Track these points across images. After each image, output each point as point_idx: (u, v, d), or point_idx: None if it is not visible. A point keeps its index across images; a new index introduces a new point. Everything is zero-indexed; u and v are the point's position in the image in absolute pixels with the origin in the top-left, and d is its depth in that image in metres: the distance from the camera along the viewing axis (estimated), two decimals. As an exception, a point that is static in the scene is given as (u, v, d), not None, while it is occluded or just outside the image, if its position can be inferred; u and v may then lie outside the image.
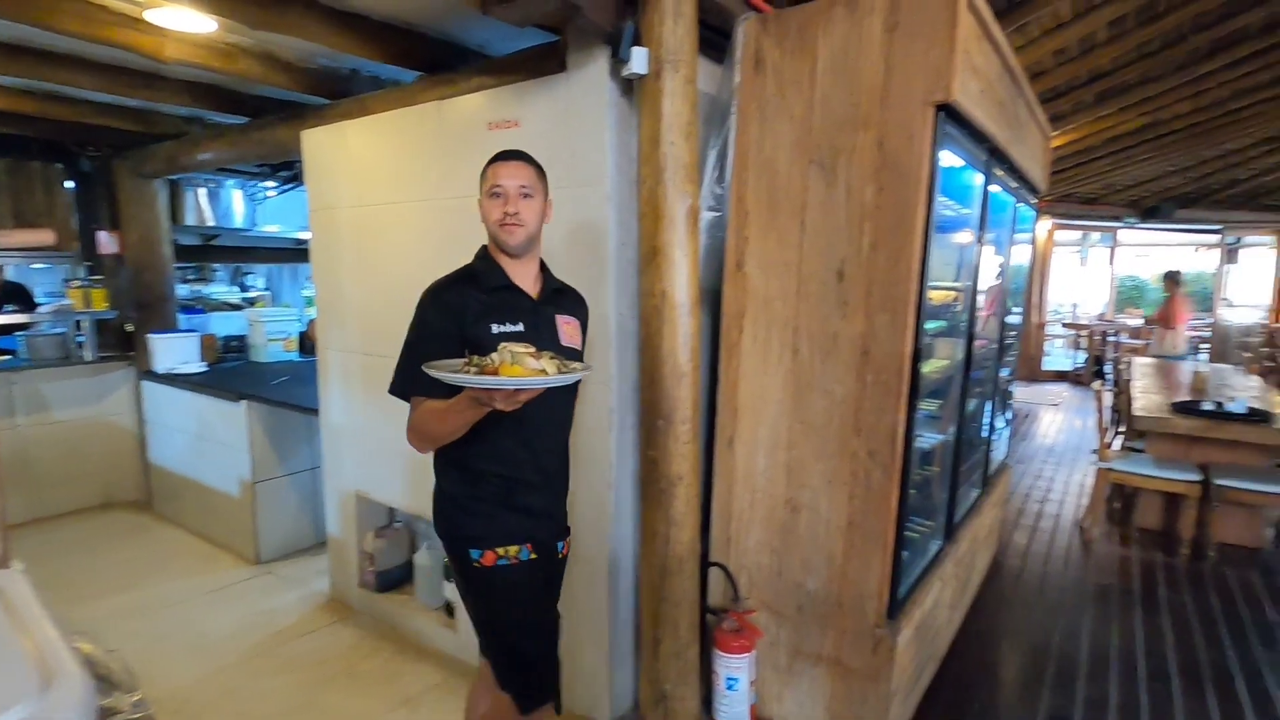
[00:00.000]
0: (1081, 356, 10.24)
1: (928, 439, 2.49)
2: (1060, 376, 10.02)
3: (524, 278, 1.63)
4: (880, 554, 2.02)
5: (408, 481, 2.76)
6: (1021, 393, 8.61)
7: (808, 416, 2.12)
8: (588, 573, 2.23)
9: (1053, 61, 4.93)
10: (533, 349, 1.33)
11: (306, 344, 4.62)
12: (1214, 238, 12.00)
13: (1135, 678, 2.65)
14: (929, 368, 2.48)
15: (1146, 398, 4.32)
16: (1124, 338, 9.97)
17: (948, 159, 2.21)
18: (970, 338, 2.59)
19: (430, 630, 2.78)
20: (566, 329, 1.65)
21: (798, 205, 2.08)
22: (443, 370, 1.31)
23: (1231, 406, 3.84)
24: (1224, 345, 10.36)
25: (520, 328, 1.55)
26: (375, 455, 2.87)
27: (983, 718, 2.41)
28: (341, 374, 2.98)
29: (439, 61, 2.54)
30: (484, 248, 1.65)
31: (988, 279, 3.09)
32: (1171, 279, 7.95)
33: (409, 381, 1.53)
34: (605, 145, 2.03)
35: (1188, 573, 3.58)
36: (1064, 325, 11.69)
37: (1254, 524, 3.91)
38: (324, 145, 2.91)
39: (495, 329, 1.53)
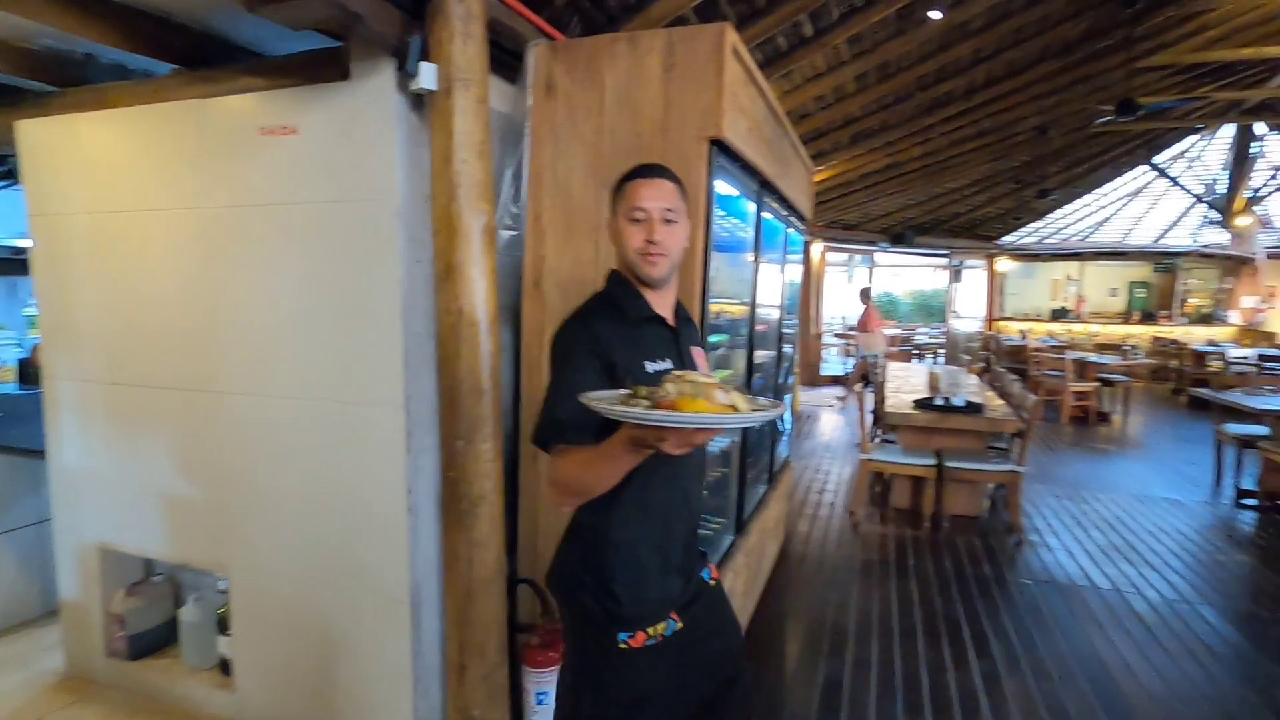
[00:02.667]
0: (852, 362, 11.70)
1: (717, 441, 2.71)
2: (836, 381, 11.37)
3: (664, 307, 1.41)
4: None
5: (170, 525, 2.43)
6: (804, 396, 9.64)
7: (607, 428, 2.21)
8: (385, 605, 2.12)
9: (814, 106, 5.64)
10: (716, 380, 1.05)
11: (30, 373, 3.86)
12: (944, 260, 14.41)
13: (891, 636, 3.09)
14: (717, 377, 2.71)
15: (896, 396, 5.07)
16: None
17: (726, 189, 2.46)
18: (751, 348, 2.88)
19: (202, 694, 2.46)
20: (700, 361, 1.47)
21: (592, 225, 2.18)
22: (606, 405, 1.03)
23: (955, 401, 4.65)
24: (954, 349, 12.43)
25: (669, 364, 1.33)
26: (126, 499, 2.48)
27: (773, 693, 2.67)
28: (78, 407, 2.54)
29: (200, 55, 2.28)
30: (616, 274, 1.42)
31: (765, 296, 3.45)
32: (864, 294, 9.71)
33: (552, 426, 1.26)
34: (395, 160, 1.97)
35: (929, 542, 4.25)
36: (835, 335, 13.27)
37: (975, 497, 4.75)
38: (47, 140, 2.48)
39: (650, 366, 1.31)
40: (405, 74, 1.91)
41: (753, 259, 2.83)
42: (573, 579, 1.37)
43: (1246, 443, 5.21)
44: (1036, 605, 3.43)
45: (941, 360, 12.52)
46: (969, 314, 15.05)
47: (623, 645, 1.30)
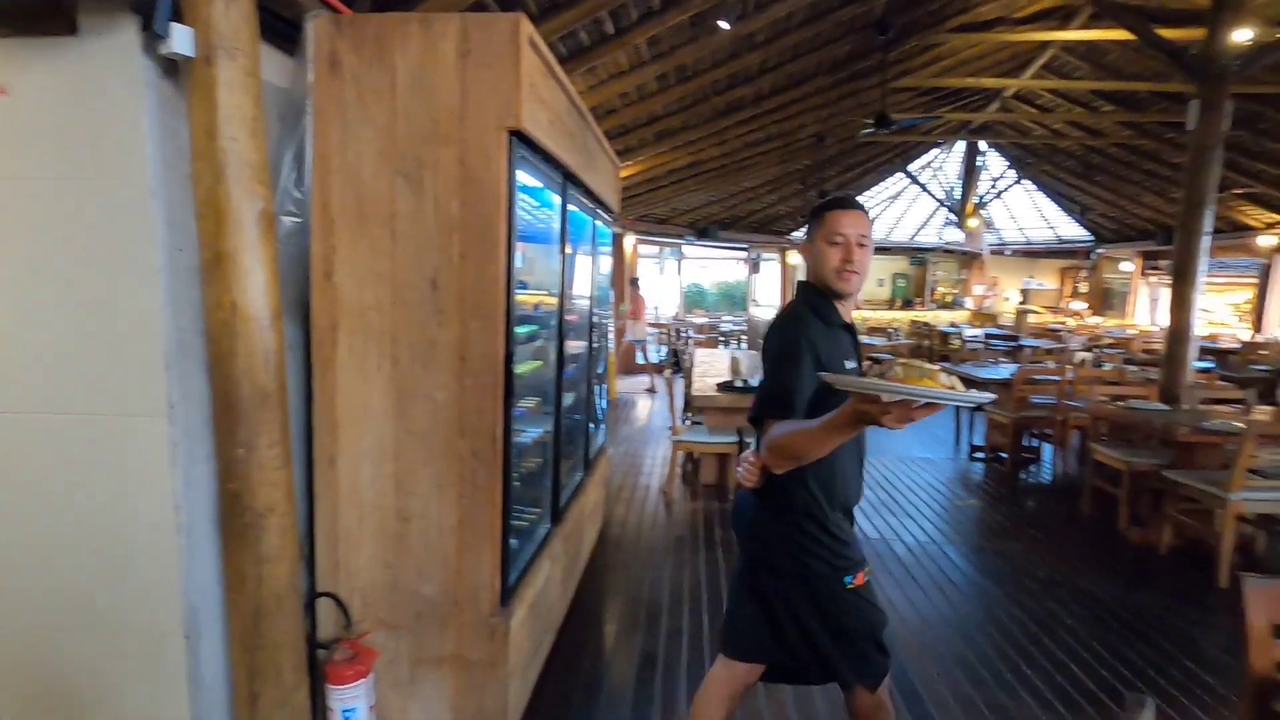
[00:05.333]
0: (666, 350, 12.27)
1: (530, 433, 2.73)
2: (651, 368, 11.85)
3: (849, 316, 1.73)
4: (490, 547, 2.14)
5: None
6: (621, 384, 9.95)
7: (413, 424, 2.13)
8: (154, 641, 1.86)
9: (620, 102, 5.81)
10: (934, 367, 1.25)
11: None
12: (744, 253, 15.58)
13: (701, 604, 3.32)
14: (526, 368, 2.71)
15: (702, 381, 5.42)
16: (691, 333, 12.26)
17: (531, 180, 2.46)
18: (561, 339, 2.92)
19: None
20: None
21: (387, 215, 2.07)
22: (855, 381, 1.26)
23: (753, 382, 5.08)
24: (755, 336, 13.52)
25: (855, 364, 1.65)
26: None
27: (592, 671, 2.75)
28: None
29: None
30: (810, 286, 1.72)
31: (576, 287, 3.52)
32: (634, 284, 10.59)
33: (776, 404, 1.56)
34: (143, 132, 1.72)
35: (732, 513, 4.61)
36: (649, 325, 13.81)
37: (771, 468, 5.23)
38: None
39: (847, 365, 1.64)
40: (154, 35, 1.67)
41: (560, 250, 2.86)
42: (799, 549, 1.67)
43: (977, 407, 6.29)
44: (822, 559, 3.88)
45: (745, 345, 13.57)
46: (767, 303, 16.48)
47: (849, 587, 1.66)
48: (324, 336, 2.11)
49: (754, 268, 15.99)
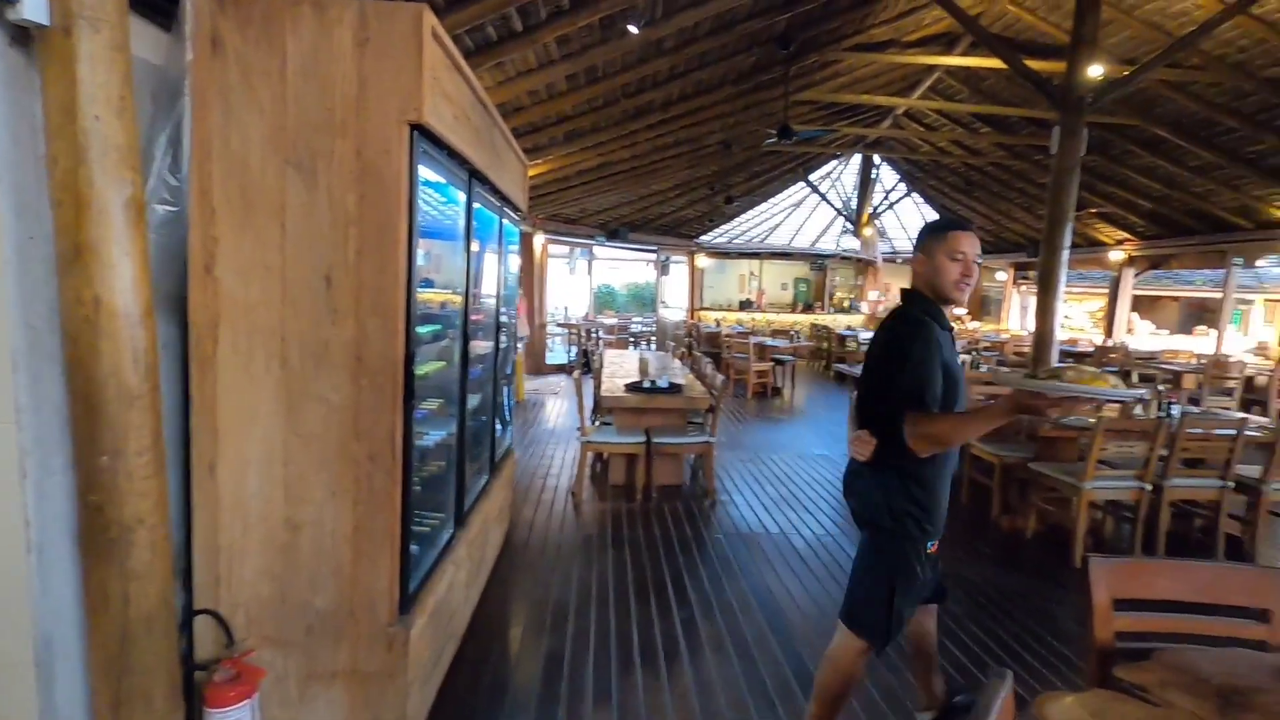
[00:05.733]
0: (576, 351, 12.23)
1: (432, 435, 2.65)
2: (561, 369, 11.79)
3: (951, 321, 2.04)
4: (388, 554, 2.07)
5: None
6: (530, 384, 9.84)
7: (305, 428, 2.02)
8: None
9: (529, 100, 5.75)
10: (1096, 370, 1.60)
11: None
12: (654, 255, 15.77)
13: (608, 604, 3.34)
14: (429, 368, 2.64)
15: (610, 381, 5.45)
16: (602, 334, 12.29)
17: (434, 175, 2.39)
18: (466, 339, 2.85)
19: None
20: None
21: (276, 206, 1.96)
22: (1041, 382, 1.62)
23: (660, 383, 5.15)
24: (664, 336, 13.71)
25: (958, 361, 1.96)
26: None
27: (497, 676, 2.71)
28: None
29: None
30: (919, 294, 1.99)
31: (481, 286, 3.45)
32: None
33: (921, 400, 1.82)
34: (-15, 105, 1.54)
35: (641, 512, 4.67)
36: (559, 325, 13.74)
37: (678, 467, 5.34)
38: None
39: (956, 362, 1.94)
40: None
41: (466, 248, 2.80)
42: (900, 509, 1.95)
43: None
44: (726, 555, 4.00)
45: (654, 346, 13.74)
46: (676, 304, 16.76)
47: (929, 550, 2.01)
48: (203, 334, 1.97)
49: (663, 270, 16.23)
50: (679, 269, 16.57)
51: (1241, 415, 5.00)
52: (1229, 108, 7.09)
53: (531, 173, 7.41)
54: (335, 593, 2.06)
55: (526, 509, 4.68)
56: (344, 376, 2.01)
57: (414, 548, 2.31)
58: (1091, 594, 1.69)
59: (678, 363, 7.10)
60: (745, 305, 17.40)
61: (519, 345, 8.54)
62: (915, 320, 1.93)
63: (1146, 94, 7.40)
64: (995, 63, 7.08)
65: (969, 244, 1.92)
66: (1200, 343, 12.89)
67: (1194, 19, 5.98)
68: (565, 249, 14.45)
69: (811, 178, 14.74)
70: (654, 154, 8.97)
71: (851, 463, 2.10)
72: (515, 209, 3.93)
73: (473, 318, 3.01)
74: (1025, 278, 15.24)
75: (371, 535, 2.06)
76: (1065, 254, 5.59)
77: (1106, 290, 12.67)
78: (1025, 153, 10.20)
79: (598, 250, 14.52)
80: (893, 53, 7.88)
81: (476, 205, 2.90)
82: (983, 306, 17.11)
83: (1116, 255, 11.37)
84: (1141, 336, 14.82)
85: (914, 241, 2.14)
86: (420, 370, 2.48)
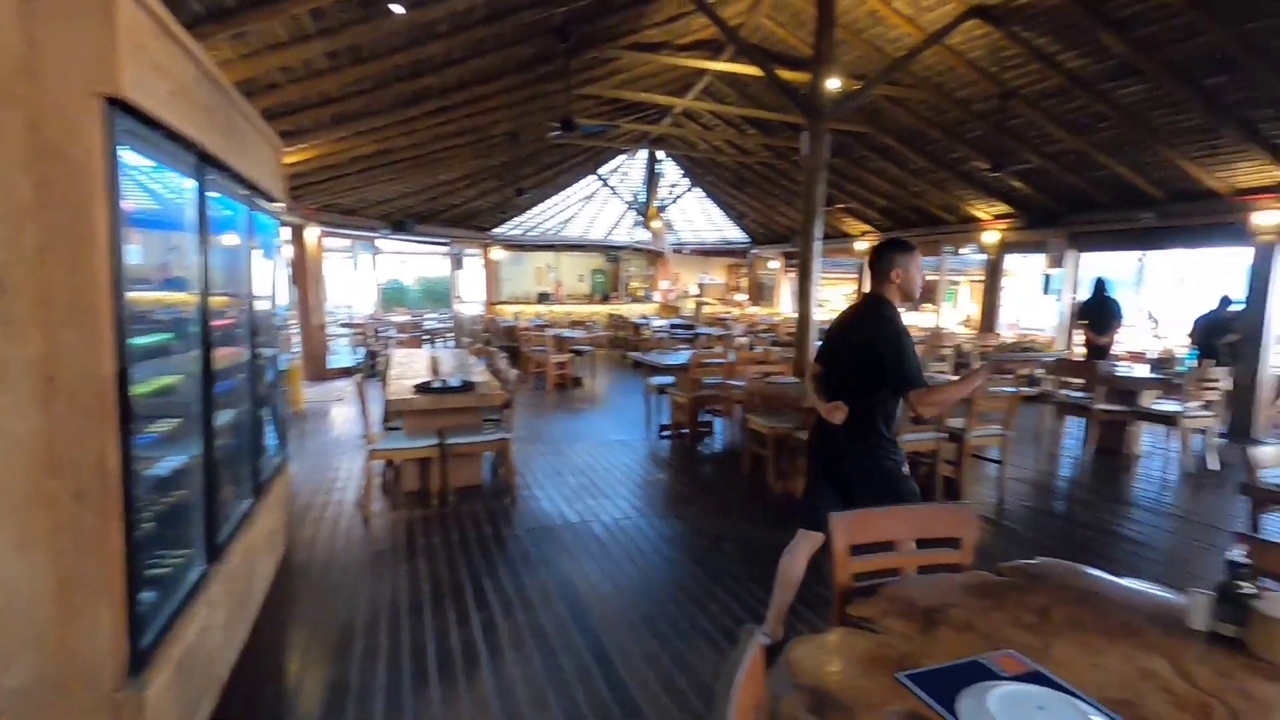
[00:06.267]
0: (363, 352, 11.34)
1: (169, 461, 2.29)
2: (346, 373, 10.86)
3: None
4: (109, 608, 1.75)
5: None
6: (310, 391, 8.95)
7: (-24, 469, 1.63)
8: None
9: (283, 77, 5.17)
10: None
11: None
12: (446, 248, 15.16)
13: (400, 619, 3.16)
14: (157, 384, 2.27)
15: (398, 383, 5.13)
16: (393, 332, 11.55)
17: (145, 160, 2.05)
18: (208, 346, 2.50)
19: None
20: None
21: (-91, 192, 1.54)
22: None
23: (451, 382, 4.96)
24: (461, 333, 13.26)
25: None
26: None
27: (270, 716, 2.43)
28: None
29: None
30: (882, 297, 2.64)
31: (231, 285, 3.04)
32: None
33: (916, 377, 2.45)
34: None
35: (438, 518, 4.48)
36: (342, 325, 12.68)
37: (476, 467, 5.19)
38: None
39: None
40: None
41: (201, 243, 2.45)
42: (885, 458, 2.64)
43: (662, 390, 7.02)
44: (526, 551, 3.97)
45: (451, 344, 13.22)
46: (472, 299, 16.25)
47: (904, 473, 2.69)
48: None
49: (457, 263, 15.66)
50: (474, 262, 16.07)
51: (955, 377, 6.04)
52: (935, 121, 8.50)
53: (294, 158, 6.70)
54: (34, 666, 1.69)
55: (307, 528, 4.26)
56: (29, 401, 1.65)
57: (149, 594, 1.99)
58: (833, 542, 1.93)
59: (475, 359, 6.90)
60: (544, 298, 17.41)
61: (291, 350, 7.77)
62: (897, 315, 2.58)
63: (875, 106, 8.62)
64: (755, 70, 7.76)
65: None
66: (925, 318, 15.40)
67: (904, 45, 7.06)
68: (346, 242, 13.32)
69: (601, 171, 15.10)
70: (436, 143, 8.57)
71: (829, 434, 2.70)
72: (267, 197, 3.52)
73: (217, 322, 2.65)
74: (792, 265, 17.06)
75: (84, 589, 1.72)
76: (818, 245, 6.33)
77: (855, 276, 14.58)
78: (786, 153, 11.37)
79: (383, 244, 13.59)
80: (666, 54, 8.30)
81: (213, 194, 2.54)
82: (760, 292, 18.85)
83: (861, 245, 13.15)
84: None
85: (879, 258, 2.64)
86: (145, 387, 2.13)
